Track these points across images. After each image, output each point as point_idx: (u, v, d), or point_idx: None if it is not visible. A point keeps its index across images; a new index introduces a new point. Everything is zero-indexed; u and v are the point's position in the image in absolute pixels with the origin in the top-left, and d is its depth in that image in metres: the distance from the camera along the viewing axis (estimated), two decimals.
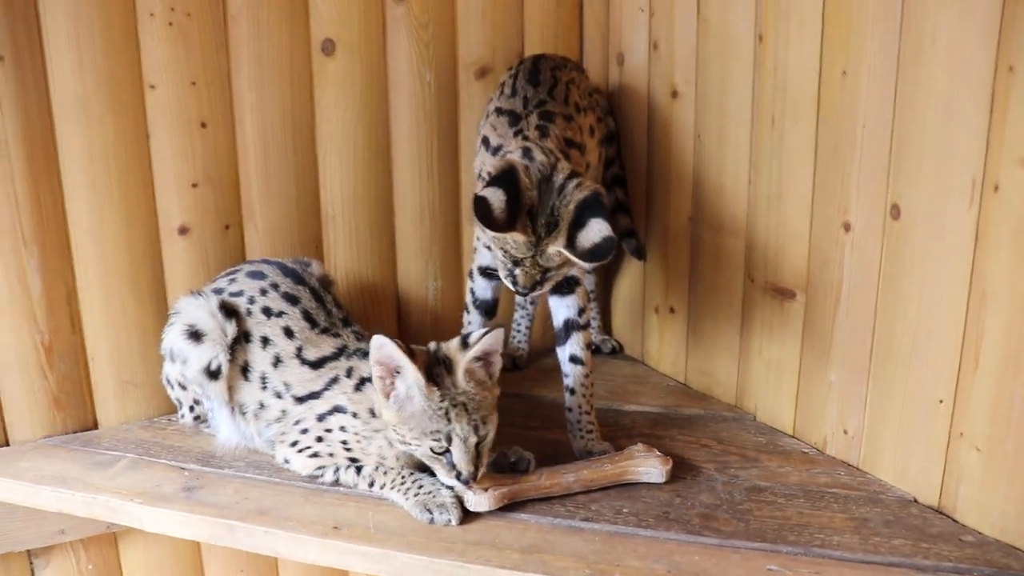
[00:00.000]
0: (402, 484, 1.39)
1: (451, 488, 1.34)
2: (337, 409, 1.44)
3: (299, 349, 1.50)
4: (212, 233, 1.71)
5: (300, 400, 1.48)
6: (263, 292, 1.55)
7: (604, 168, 1.83)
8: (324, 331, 1.53)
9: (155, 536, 1.70)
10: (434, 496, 1.35)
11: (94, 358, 1.67)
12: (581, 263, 1.37)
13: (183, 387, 1.56)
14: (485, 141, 1.60)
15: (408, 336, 1.83)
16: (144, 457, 1.59)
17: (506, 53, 1.86)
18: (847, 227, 1.46)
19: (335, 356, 1.48)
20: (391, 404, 1.32)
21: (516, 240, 1.36)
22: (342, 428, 1.43)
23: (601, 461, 1.46)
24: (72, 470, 1.55)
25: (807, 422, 1.60)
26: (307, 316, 1.54)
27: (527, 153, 1.41)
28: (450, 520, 1.33)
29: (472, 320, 1.69)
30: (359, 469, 1.44)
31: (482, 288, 1.67)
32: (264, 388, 1.50)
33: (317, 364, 1.48)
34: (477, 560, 1.27)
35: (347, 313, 1.60)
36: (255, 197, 1.73)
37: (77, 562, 1.73)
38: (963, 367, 1.32)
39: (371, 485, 1.42)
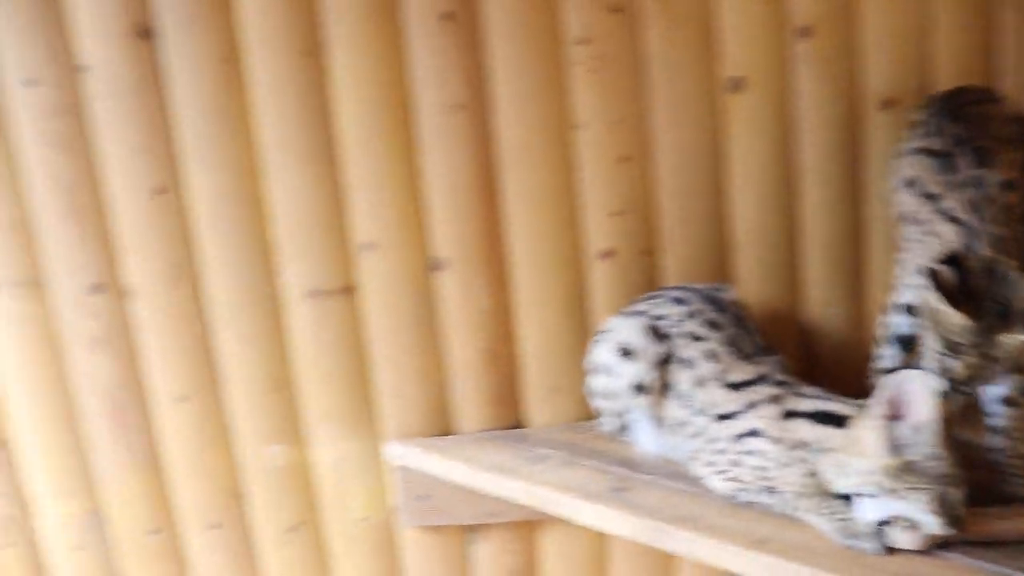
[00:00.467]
0: (820, 509, 1.40)
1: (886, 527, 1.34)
2: (754, 432, 1.49)
3: (722, 372, 1.58)
4: (632, 258, 1.86)
5: (719, 419, 1.55)
6: (690, 316, 1.65)
7: None
8: (746, 358, 1.60)
9: (564, 530, 1.91)
10: (855, 524, 1.36)
11: (526, 365, 1.87)
12: None
13: (608, 399, 1.69)
14: (913, 183, 1.59)
15: (813, 363, 1.86)
16: (571, 457, 1.74)
17: (911, 84, 1.84)
18: None
19: (757, 382, 1.55)
20: (889, 448, 1.30)
21: (962, 324, 1.33)
22: (759, 452, 1.47)
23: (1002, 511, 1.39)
24: (511, 461, 1.75)
25: None
26: (730, 342, 1.62)
27: (969, 234, 1.41)
28: (878, 549, 1.34)
29: (889, 355, 1.68)
30: (772, 493, 1.47)
31: (903, 325, 1.65)
32: (685, 406, 1.60)
33: (738, 387, 1.55)
34: None
35: (768, 342, 1.66)
36: (670, 225, 1.85)
37: (502, 542, 1.94)
38: None
39: (788, 507, 1.46)
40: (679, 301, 1.68)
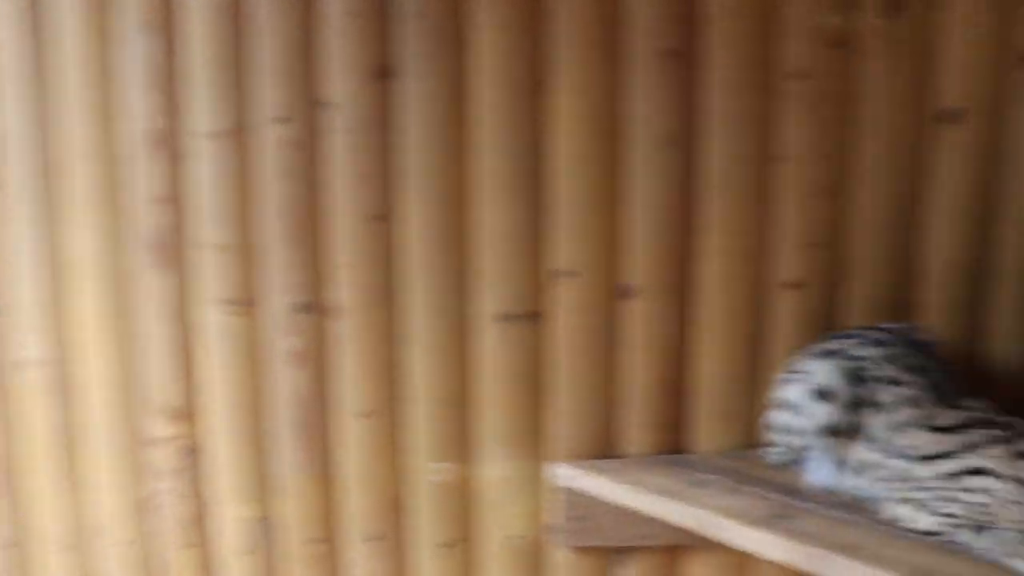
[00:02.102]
0: None
1: None
2: (980, 471, 1.44)
3: (926, 417, 1.54)
4: (818, 290, 1.85)
5: (927, 459, 1.51)
6: (890, 359, 1.62)
7: None
8: (952, 405, 1.56)
9: (708, 558, 1.91)
10: None
11: (698, 392, 1.88)
12: None
13: (792, 436, 1.70)
14: None
15: (1002, 405, 1.84)
16: (734, 483, 1.75)
17: None
18: None
19: (976, 424, 1.50)
20: None
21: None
22: (984, 490, 1.43)
23: None
24: (673, 484, 1.75)
25: None
26: (933, 388, 1.58)
27: None
28: None
29: None
30: (988, 531, 1.43)
31: None
32: (878, 450, 1.58)
33: (950, 430, 1.51)
34: None
35: (972, 386, 1.62)
36: (861, 258, 1.84)
37: (647, 565, 1.94)
38: None
39: (1003, 550, 1.41)
40: (879, 343, 1.65)
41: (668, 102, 1.78)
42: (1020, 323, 1.89)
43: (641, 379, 1.87)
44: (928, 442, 1.51)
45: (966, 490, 1.44)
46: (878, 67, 1.78)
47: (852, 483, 1.63)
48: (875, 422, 1.59)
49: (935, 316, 1.87)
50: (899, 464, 1.54)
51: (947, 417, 1.53)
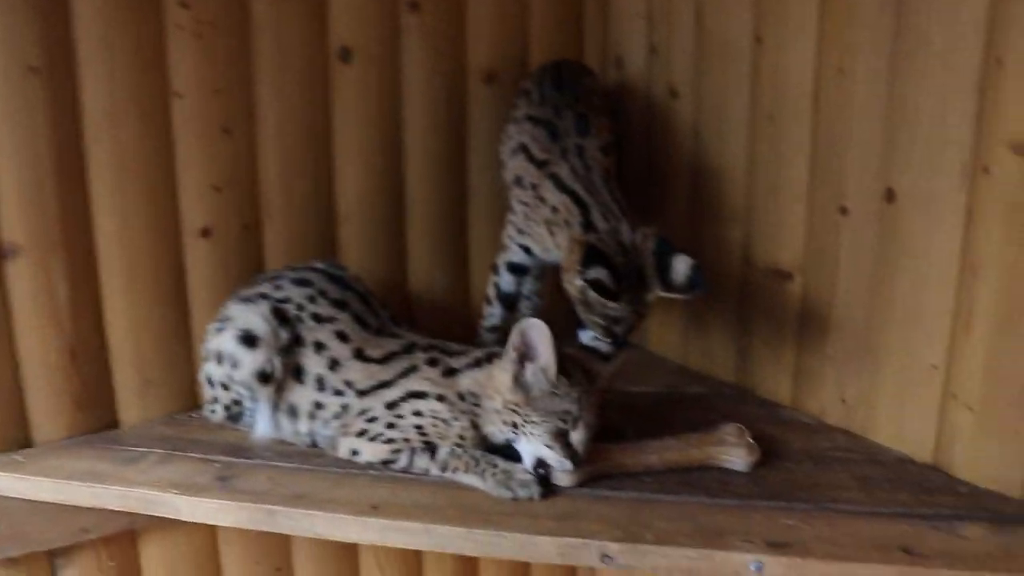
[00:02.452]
0: (476, 466, 1.46)
1: (543, 469, 1.43)
2: (414, 395, 1.49)
3: (358, 351, 1.56)
4: (234, 235, 1.76)
5: (364, 393, 1.53)
6: (311, 299, 1.60)
7: None
8: (378, 332, 1.60)
9: (172, 533, 1.79)
10: (511, 475, 1.43)
11: (118, 359, 1.70)
12: (683, 297, 1.51)
13: (225, 387, 1.61)
14: (524, 149, 1.70)
15: (421, 328, 1.90)
16: (172, 452, 1.63)
17: (511, 59, 1.96)
18: (844, 211, 1.58)
19: (406, 350, 1.55)
20: (517, 387, 1.39)
21: (623, 307, 1.50)
22: (418, 413, 1.48)
23: (688, 442, 1.53)
24: (101, 466, 1.58)
25: (806, 394, 1.71)
26: (358, 319, 1.60)
27: (586, 215, 1.57)
28: (532, 495, 1.42)
29: (495, 312, 1.83)
30: (433, 453, 1.49)
31: (507, 283, 1.81)
32: (321, 389, 1.56)
33: (384, 359, 1.54)
34: (513, 528, 1.34)
35: (393, 313, 1.68)
36: (274, 200, 1.79)
37: (98, 560, 1.75)
38: (956, 334, 1.44)
39: (444, 468, 1.48)
40: (302, 282, 1.63)
41: (25, 25, 1.50)
42: (432, 253, 2.00)
43: (41, 353, 1.62)
44: (364, 375, 1.54)
45: (409, 414, 1.49)
46: (268, 1, 1.72)
47: (299, 428, 1.60)
48: (310, 363, 1.57)
49: (355, 251, 1.90)
50: (340, 400, 1.55)
51: (378, 347, 1.57)
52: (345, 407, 1.55)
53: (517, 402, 1.40)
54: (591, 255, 1.50)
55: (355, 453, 1.54)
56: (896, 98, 1.45)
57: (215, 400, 1.65)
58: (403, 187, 1.93)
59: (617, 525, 1.34)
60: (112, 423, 1.71)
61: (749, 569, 1.27)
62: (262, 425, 1.62)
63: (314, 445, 1.60)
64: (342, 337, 1.58)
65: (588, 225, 1.57)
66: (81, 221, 1.61)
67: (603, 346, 1.50)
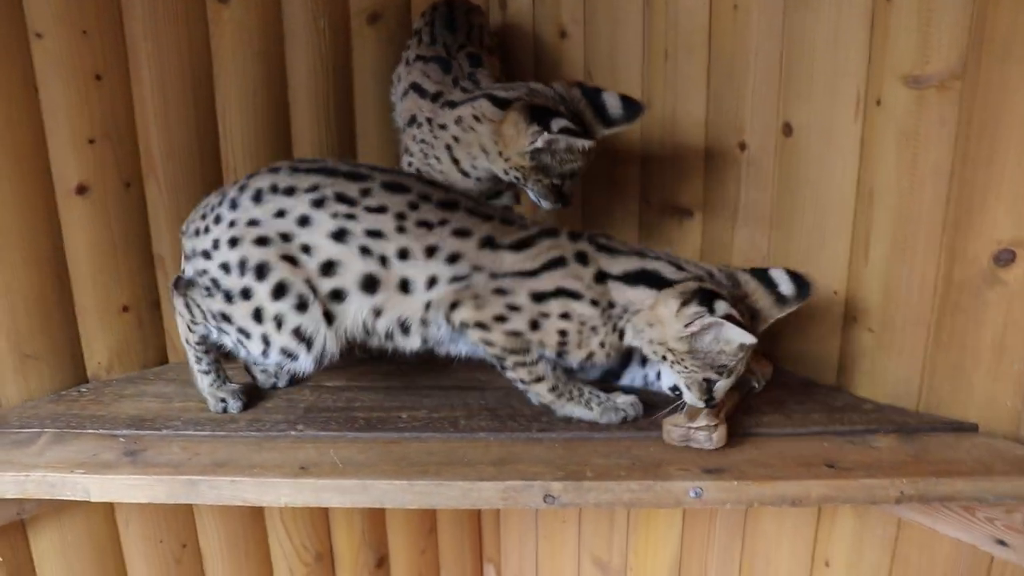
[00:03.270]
0: (581, 396, 1.46)
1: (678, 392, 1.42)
2: (565, 293, 1.39)
3: (485, 240, 1.42)
4: (113, 192, 1.64)
5: (498, 276, 1.41)
6: (413, 206, 1.42)
7: None
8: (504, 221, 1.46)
9: (68, 516, 1.69)
10: (613, 403, 1.47)
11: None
12: (631, 126, 1.50)
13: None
14: (416, 87, 1.65)
15: None
16: (66, 430, 1.52)
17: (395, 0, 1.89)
18: (742, 146, 1.63)
19: (548, 235, 1.43)
20: (684, 339, 1.34)
21: (585, 146, 1.44)
22: (566, 316, 1.39)
23: None
24: None
25: None
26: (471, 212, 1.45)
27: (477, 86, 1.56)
28: (637, 416, 1.46)
29: None
30: (554, 367, 1.44)
31: None
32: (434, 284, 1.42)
33: (521, 245, 1.42)
34: (454, 477, 1.34)
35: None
36: (155, 152, 1.67)
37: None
38: (854, 260, 1.53)
39: (552, 390, 1.45)
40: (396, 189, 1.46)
41: None
42: None
43: None
44: (497, 261, 1.45)
45: (556, 315, 1.42)
46: None
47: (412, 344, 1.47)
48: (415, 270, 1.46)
49: None
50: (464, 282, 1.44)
51: (506, 234, 1.48)
52: (467, 282, 1.41)
53: (677, 348, 1.36)
54: (536, 113, 1.46)
55: (478, 326, 1.41)
56: (791, 33, 1.50)
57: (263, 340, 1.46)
58: (290, 132, 1.85)
59: (557, 465, 1.36)
60: None
61: (689, 496, 1.31)
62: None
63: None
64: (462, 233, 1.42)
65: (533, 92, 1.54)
66: None
67: (784, 284, 1.39)
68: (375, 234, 1.39)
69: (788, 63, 1.52)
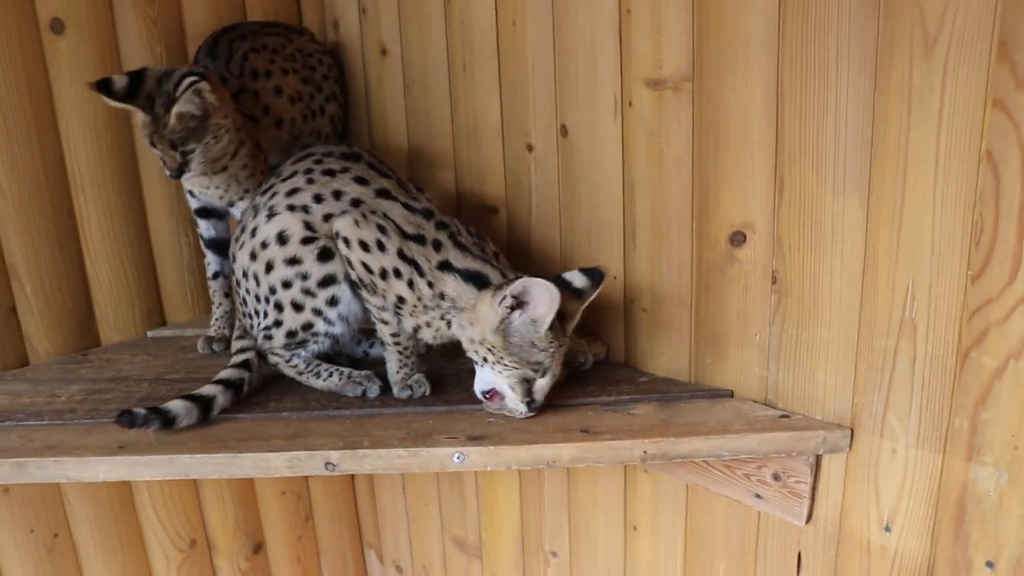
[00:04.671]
0: (402, 359, 1.65)
1: (487, 397, 1.56)
2: (415, 265, 1.55)
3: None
4: None
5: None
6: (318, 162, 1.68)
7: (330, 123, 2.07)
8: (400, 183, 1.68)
9: None
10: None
11: None
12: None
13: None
14: None
15: (166, 290, 2.00)
16: None
17: (231, 22, 2.03)
18: (530, 148, 1.79)
19: (424, 215, 1.61)
20: (500, 329, 1.46)
21: (141, 120, 1.60)
22: (410, 284, 1.55)
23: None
24: None
25: None
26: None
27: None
28: (424, 394, 1.65)
29: (210, 260, 1.95)
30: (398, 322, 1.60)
31: (205, 228, 1.92)
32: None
33: (407, 207, 1.61)
34: (248, 450, 1.49)
35: None
36: (2, 173, 1.82)
37: None
38: (627, 247, 1.69)
39: (394, 337, 1.63)
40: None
41: None
42: (168, 213, 2.08)
43: None
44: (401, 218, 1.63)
45: (402, 279, 1.58)
46: None
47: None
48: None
49: (94, 216, 1.98)
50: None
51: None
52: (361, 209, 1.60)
53: (496, 343, 1.47)
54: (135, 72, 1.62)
55: (347, 244, 1.58)
56: (560, 45, 1.67)
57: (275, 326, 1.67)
58: (134, 149, 2.00)
59: (340, 437, 1.51)
60: None
61: (453, 460, 1.47)
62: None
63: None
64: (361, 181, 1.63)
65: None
66: None
67: (578, 280, 1.50)
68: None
69: (559, 71, 1.68)
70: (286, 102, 1.91)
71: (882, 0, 1.23)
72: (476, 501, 2.20)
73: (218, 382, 1.61)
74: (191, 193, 1.85)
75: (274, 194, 1.65)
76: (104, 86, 1.57)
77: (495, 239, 1.87)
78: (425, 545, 2.40)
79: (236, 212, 1.83)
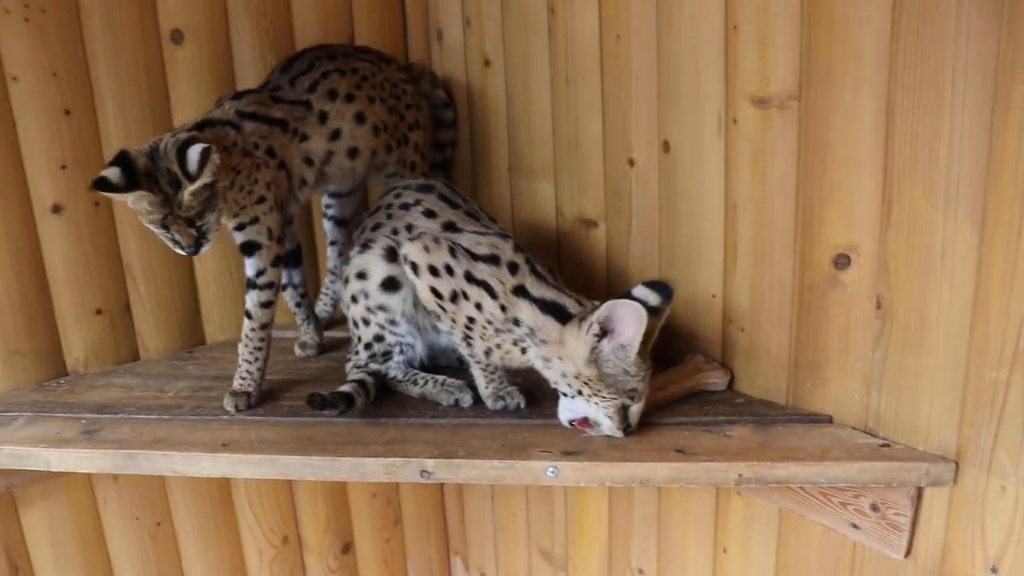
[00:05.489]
0: (487, 373, 1.67)
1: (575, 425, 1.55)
2: (486, 287, 1.57)
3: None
4: (84, 211, 1.88)
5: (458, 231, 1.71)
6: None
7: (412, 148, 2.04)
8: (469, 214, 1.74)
9: (53, 494, 1.93)
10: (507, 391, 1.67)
11: None
12: (201, 183, 1.48)
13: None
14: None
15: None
16: (40, 413, 1.76)
17: (338, 35, 2.09)
18: (631, 162, 1.79)
19: (500, 236, 1.64)
20: (592, 361, 1.46)
21: (150, 203, 1.50)
22: (479, 307, 1.58)
23: (676, 375, 1.68)
24: None
25: None
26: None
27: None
28: (519, 406, 1.66)
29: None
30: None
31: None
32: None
33: (476, 234, 1.65)
34: (346, 454, 1.53)
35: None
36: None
37: None
38: (727, 266, 1.67)
39: (469, 348, 1.65)
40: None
41: None
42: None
43: None
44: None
45: (472, 302, 1.61)
46: None
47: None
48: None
49: None
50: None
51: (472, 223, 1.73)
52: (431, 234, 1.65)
53: (591, 376, 1.48)
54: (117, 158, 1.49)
55: (415, 270, 1.62)
56: (663, 59, 1.66)
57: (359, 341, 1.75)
58: None
59: (436, 446, 1.53)
60: None
61: (547, 474, 1.47)
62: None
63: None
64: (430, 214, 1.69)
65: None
66: None
67: (651, 297, 1.49)
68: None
69: (663, 86, 1.67)
70: (368, 131, 1.89)
71: (1005, 16, 1.18)
72: (564, 513, 2.20)
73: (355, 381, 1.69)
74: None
75: (363, 229, 1.74)
76: (103, 185, 1.45)
77: (593, 252, 1.88)
78: (511, 555, 2.41)
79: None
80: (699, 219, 1.67)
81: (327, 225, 2.10)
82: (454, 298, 1.59)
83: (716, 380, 1.71)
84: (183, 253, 1.58)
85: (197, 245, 1.57)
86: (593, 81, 1.80)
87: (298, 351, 1.99)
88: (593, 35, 1.77)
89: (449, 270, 1.58)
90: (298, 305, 1.98)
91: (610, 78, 1.77)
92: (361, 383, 1.68)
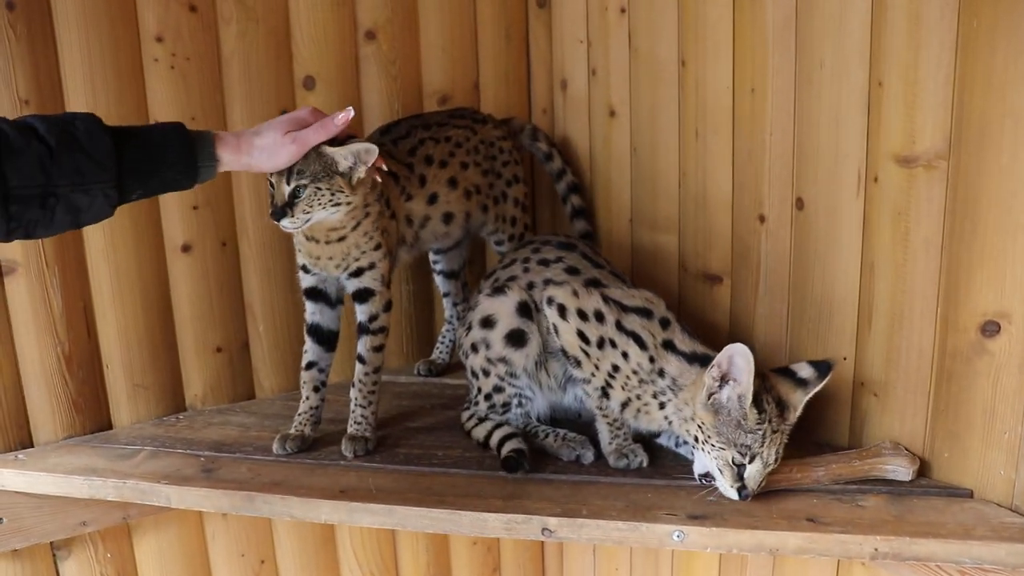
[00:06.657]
0: (612, 427, 1.64)
1: (707, 480, 1.53)
2: (635, 337, 1.59)
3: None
4: (211, 250, 1.92)
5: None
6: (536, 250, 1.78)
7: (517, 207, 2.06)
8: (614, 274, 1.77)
9: (165, 525, 1.95)
10: (627, 448, 1.63)
11: (108, 365, 1.86)
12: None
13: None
14: None
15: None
16: (160, 448, 1.79)
17: (464, 83, 2.12)
18: (762, 219, 1.75)
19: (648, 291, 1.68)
20: (710, 405, 1.46)
21: None
22: (626, 355, 1.59)
23: (850, 456, 1.59)
24: (98, 462, 1.74)
25: None
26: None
27: None
28: (642, 464, 1.61)
29: (307, 348, 1.79)
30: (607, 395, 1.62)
31: (311, 311, 1.78)
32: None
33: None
34: (466, 508, 1.50)
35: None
36: (248, 218, 1.95)
37: (95, 552, 1.91)
38: (860, 328, 1.61)
39: (601, 400, 1.63)
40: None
41: (16, 61, 1.67)
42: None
43: (39, 360, 1.79)
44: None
45: (619, 350, 1.62)
46: (236, 33, 1.88)
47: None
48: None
49: None
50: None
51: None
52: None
53: (705, 420, 1.47)
54: None
55: (562, 313, 1.63)
56: (800, 115, 1.62)
57: (478, 392, 1.75)
58: None
59: (558, 503, 1.51)
60: (106, 424, 1.88)
61: (672, 538, 1.43)
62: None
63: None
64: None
65: None
66: (72, 239, 1.77)
67: (804, 370, 1.50)
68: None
69: (799, 142, 1.64)
70: (460, 195, 1.90)
71: None
72: (671, 572, 2.14)
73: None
74: (304, 268, 1.75)
75: (495, 280, 1.73)
76: None
77: (717, 308, 1.84)
78: None
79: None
80: (832, 279, 1.62)
81: (438, 279, 2.11)
82: (601, 344, 1.59)
83: (897, 468, 1.55)
84: (269, 213, 1.58)
85: (282, 210, 1.55)
86: (724, 135, 1.77)
87: (277, 447, 1.75)
88: (726, 89, 1.75)
89: (599, 316, 1.60)
90: (315, 389, 1.80)
91: (742, 132, 1.74)
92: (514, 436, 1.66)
